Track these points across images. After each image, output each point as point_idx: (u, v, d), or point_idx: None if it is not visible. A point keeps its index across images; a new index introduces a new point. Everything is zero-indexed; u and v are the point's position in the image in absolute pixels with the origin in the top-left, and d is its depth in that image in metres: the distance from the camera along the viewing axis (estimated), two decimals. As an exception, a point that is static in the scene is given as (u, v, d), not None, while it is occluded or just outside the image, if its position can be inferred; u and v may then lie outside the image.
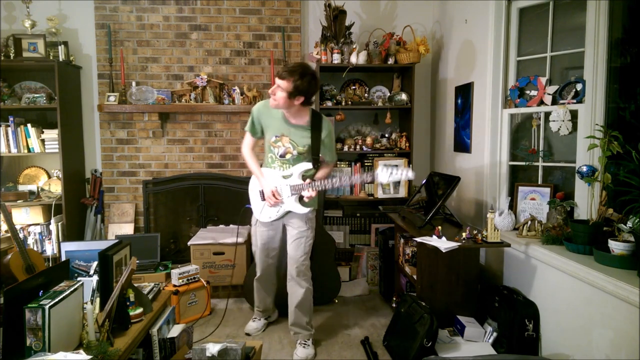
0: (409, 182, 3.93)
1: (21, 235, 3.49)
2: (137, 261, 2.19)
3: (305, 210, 2.65)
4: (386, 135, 4.06)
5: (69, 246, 2.24)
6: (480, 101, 3.18)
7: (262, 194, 2.71)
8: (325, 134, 2.61)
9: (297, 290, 2.73)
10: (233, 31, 3.97)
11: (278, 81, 2.43)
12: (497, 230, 2.57)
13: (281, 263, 2.94)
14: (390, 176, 2.41)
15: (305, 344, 2.74)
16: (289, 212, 2.69)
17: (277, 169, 2.67)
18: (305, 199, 2.60)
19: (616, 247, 2.08)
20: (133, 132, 3.95)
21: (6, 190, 3.73)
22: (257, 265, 2.94)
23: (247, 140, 2.77)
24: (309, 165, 2.62)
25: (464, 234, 2.63)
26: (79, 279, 1.94)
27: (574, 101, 2.57)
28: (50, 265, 3.65)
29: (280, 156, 2.63)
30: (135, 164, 3.99)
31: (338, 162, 3.94)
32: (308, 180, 2.60)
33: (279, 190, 2.63)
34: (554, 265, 2.36)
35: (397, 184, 3.92)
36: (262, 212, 2.74)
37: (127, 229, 3.91)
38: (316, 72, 2.53)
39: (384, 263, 3.61)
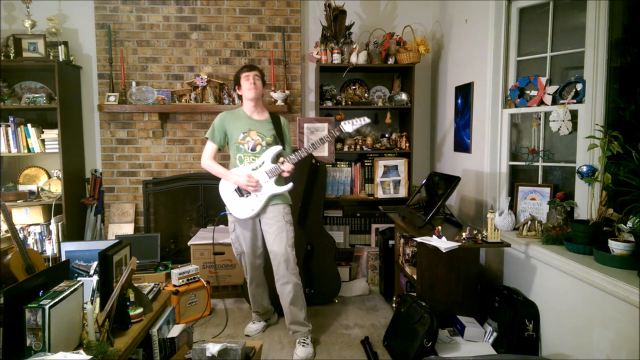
0: (409, 182, 3.93)
1: (21, 235, 3.50)
2: (137, 261, 2.19)
3: (286, 187, 2.72)
4: (386, 135, 4.06)
5: (69, 246, 2.24)
6: (480, 101, 3.18)
7: (238, 190, 2.75)
8: (284, 123, 2.88)
9: (287, 288, 2.72)
10: (233, 31, 3.97)
11: (252, 72, 2.75)
12: (497, 230, 2.57)
13: (267, 262, 2.93)
14: (353, 125, 2.71)
15: (304, 343, 2.74)
16: (268, 202, 2.71)
17: (246, 165, 2.74)
18: (286, 173, 2.68)
19: (616, 247, 2.08)
20: (133, 132, 3.96)
21: (6, 190, 3.73)
22: (245, 271, 2.94)
23: (208, 150, 2.81)
24: (278, 148, 2.76)
25: (464, 234, 2.63)
26: (79, 279, 1.95)
27: (574, 101, 2.57)
28: (50, 265, 3.65)
29: (252, 150, 2.73)
30: (135, 164, 3.99)
31: (338, 162, 3.95)
32: (282, 159, 2.69)
33: (254, 177, 2.69)
34: (554, 265, 2.36)
35: (397, 183, 3.92)
36: (244, 208, 2.74)
37: (127, 229, 3.91)
38: None
39: (384, 263, 3.61)
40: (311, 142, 2.71)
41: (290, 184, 2.74)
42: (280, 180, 2.76)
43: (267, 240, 2.77)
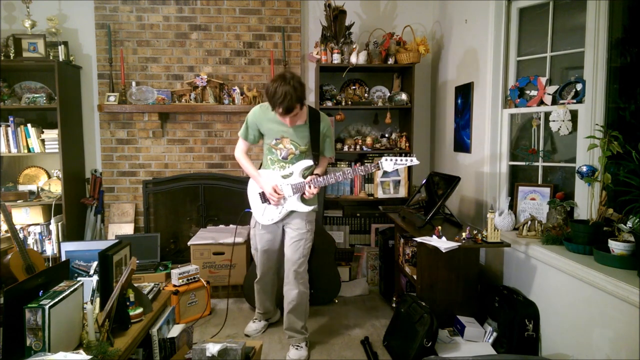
0: (409, 182, 3.93)
1: (21, 235, 3.49)
2: (137, 261, 2.19)
3: (308, 208, 2.65)
4: (386, 135, 4.06)
5: (69, 246, 2.24)
6: (480, 101, 3.18)
7: (262, 196, 2.70)
8: (324, 126, 2.65)
9: (292, 295, 2.69)
10: (233, 31, 3.97)
11: (288, 115, 2.40)
12: (497, 230, 2.57)
13: (281, 264, 2.93)
14: (395, 164, 2.48)
15: (298, 346, 2.72)
16: (291, 212, 2.68)
17: (277, 170, 2.67)
18: (307, 197, 2.60)
19: (616, 247, 2.08)
20: (133, 132, 3.96)
21: (6, 190, 3.73)
22: (257, 268, 2.93)
23: (241, 146, 2.74)
24: (309, 162, 2.64)
25: (464, 234, 2.63)
26: (79, 279, 1.95)
27: (574, 101, 2.57)
28: (50, 265, 3.65)
29: (283, 158, 2.64)
30: (135, 164, 3.99)
31: (338, 162, 3.95)
32: (309, 178, 2.60)
33: (279, 190, 2.62)
34: (554, 265, 2.36)
35: (397, 183, 3.92)
36: (264, 214, 2.71)
37: (127, 229, 3.91)
38: (295, 74, 2.45)
39: (384, 263, 3.61)
40: (345, 173, 2.58)
41: (315, 206, 2.68)
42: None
43: (286, 241, 2.73)
